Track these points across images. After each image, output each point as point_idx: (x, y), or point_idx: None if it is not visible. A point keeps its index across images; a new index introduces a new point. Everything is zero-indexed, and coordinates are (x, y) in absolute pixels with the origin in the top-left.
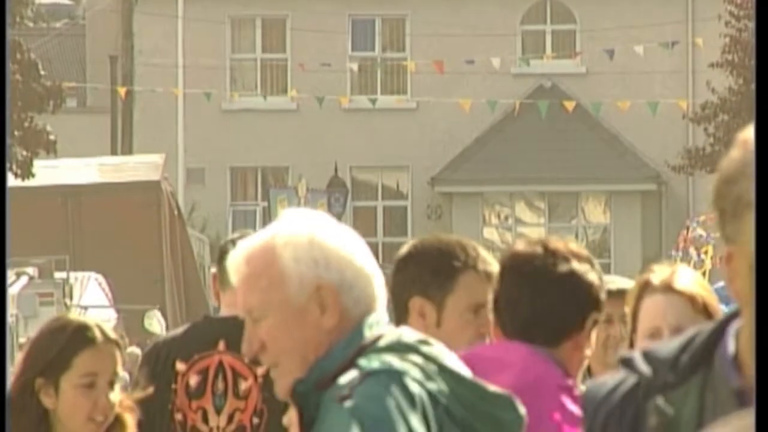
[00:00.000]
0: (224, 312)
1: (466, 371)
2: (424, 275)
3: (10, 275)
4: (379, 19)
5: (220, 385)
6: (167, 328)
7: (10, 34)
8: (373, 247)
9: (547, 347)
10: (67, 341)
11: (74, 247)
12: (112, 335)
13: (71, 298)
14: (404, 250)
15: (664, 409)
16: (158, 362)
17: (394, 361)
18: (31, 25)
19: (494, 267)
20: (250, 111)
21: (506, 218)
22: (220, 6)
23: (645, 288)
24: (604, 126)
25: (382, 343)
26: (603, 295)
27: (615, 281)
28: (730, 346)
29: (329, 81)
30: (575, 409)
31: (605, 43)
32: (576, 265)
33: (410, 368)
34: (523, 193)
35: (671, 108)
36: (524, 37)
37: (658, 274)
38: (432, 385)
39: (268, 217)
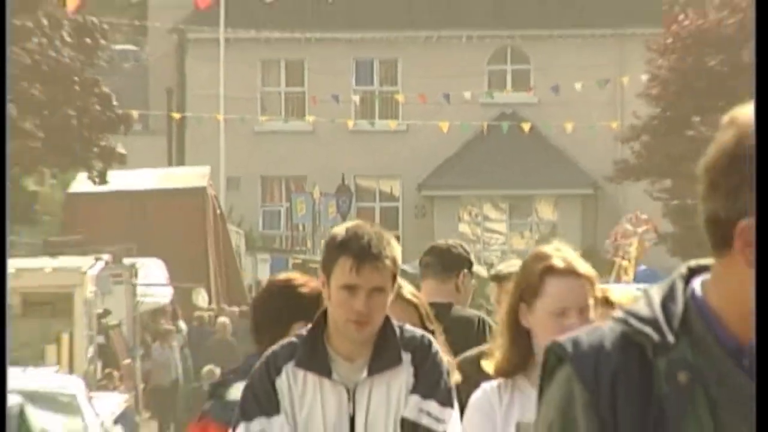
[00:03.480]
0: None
1: None
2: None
3: (90, 260)
4: (376, 61)
5: None
6: (209, 302)
7: (91, 73)
8: None
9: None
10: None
11: (139, 238)
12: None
13: (137, 277)
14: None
15: (696, 362)
16: None
17: None
18: (105, 65)
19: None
20: (276, 132)
21: (476, 216)
22: (252, 51)
23: (548, 271)
24: (552, 144)
25: None
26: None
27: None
28: (706, 303)
29: (338, 109)
30: None
31: (553, 79)
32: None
33: None
34: (490, 197)
35: (604, 130)
36: (489, 75)
37: (556, 257)
38: None
39: (289, 215)
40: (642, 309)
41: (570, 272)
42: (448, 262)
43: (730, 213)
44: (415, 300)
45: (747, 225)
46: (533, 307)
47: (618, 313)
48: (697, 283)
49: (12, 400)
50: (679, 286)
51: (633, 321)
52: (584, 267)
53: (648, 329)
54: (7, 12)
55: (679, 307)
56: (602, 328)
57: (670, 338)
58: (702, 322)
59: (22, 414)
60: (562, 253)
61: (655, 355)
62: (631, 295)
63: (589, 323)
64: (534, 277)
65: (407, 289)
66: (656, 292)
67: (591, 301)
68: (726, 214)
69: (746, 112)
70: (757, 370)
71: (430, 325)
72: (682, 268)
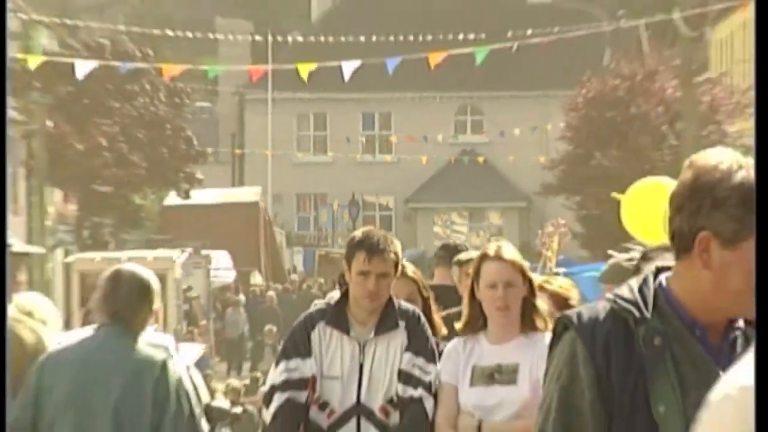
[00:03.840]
0: (435, 281)
1: None
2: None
3: (179, 252)
4: (377, 113)
5: None
6: (262, 281)
7: (179, 122)
8: None
9: None
10: None
11: (212, 237)
12: None
13: (210, 264)
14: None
15: (665, 331)
16: None
17: None
18: (189, 117)
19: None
20: (307, 163)
21: (446, 221)
22: (291, 107)
23: (484, 257)
24: (499, 172)
25: None
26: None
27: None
28: (670, 291)
29: (350, 147)
30: None
31: (500, 127)
32: None
33: None
34: (456, 208)
35: (535, 162)
36: (455, 123)
37: (491, 248)
38: None
39: (316, 220)
40: (626, 293)
41: (497, 258)
42: (455, 256)
43: (692, 227)
44: (414, 276)
45: (703, 236)
46: (479, 284)
47: (608, 296)
48: (663, 278)
49: (159, 355)
50: (650, 279)
51: (620, 301)
52: (510, 254)
53: (631, 307)
54: (7, 12)
55: (651, 293)
56: (598, 306)
57: (647, 314)
58: (667, 304)
59: (164, 365)
60: (496, 245)
61: (636, 325)
62: (568, 284)
63: (516, 295)
64: (477, 263)
65: (410, 269)
66: (635, 282)
67: (518, 279)
68: (688, 229)
69: (701, 156)
70: (756, 368)
71: (426, 293)
72: (653, 267)
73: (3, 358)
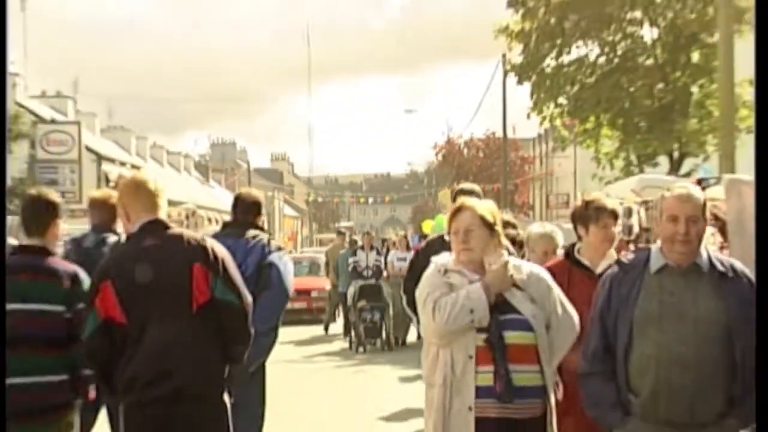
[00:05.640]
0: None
1: None
2: None
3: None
4: (375, 212)
5: None
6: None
7: (340, 213)
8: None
9: None
10: None
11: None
12: None
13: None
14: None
15: None
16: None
17: None
18: (342, 212)
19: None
20: (361, 223)
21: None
22: (357, 209)
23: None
24: (400, 221)
25: None
26: None
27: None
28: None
29: (370, 218)
30: None
31: (399, 215)
32: None
33: None
34: (390, 229)
35: (408, 220)
36: (389, 211)
37: (399, 235)
38: None
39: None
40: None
41: (400, 239)
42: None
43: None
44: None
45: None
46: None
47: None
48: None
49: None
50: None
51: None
52: (400, 234)
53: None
54: (7, 11)
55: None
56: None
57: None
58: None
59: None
60: (399, 232)
61: None
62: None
63: (404, 242)
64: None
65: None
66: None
67: (404, 240)
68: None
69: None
70: (756, 366)
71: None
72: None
73: (3, 356)
